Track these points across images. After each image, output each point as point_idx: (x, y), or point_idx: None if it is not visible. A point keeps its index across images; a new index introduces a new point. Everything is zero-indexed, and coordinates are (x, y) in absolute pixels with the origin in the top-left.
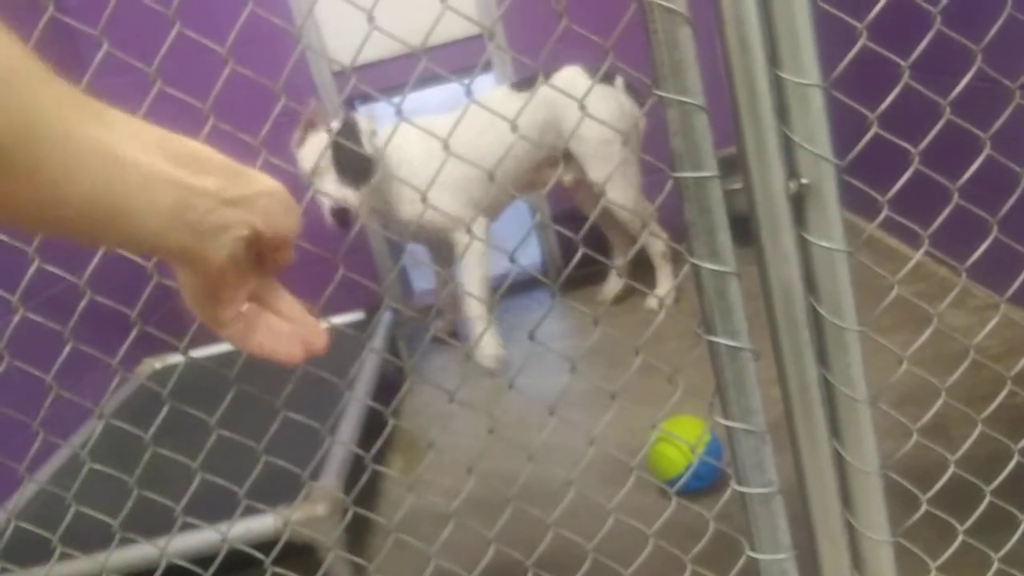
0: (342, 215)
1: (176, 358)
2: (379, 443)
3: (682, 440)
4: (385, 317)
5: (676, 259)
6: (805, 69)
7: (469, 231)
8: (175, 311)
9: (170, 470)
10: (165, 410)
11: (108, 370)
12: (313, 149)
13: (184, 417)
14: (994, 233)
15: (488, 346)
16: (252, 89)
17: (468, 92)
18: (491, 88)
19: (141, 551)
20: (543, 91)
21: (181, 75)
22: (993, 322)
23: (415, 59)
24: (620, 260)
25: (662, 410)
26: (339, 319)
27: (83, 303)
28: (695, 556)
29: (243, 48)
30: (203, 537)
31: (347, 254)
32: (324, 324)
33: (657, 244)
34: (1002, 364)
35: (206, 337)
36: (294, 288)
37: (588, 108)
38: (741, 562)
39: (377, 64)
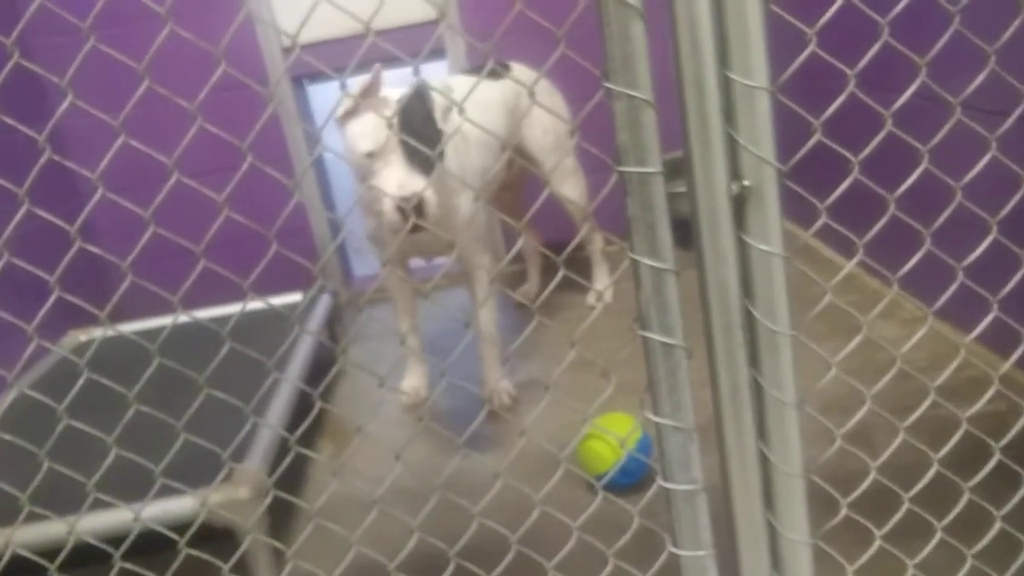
0: (413, 211)
1: (103, 332)
2: (304, 426)
3: (613, 435)
4: (322, 300)
5: (610, 260)
6: (754, 71)
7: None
8: (104, 282)
9: (89, 446)
10: (81, 382)
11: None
12: (371, 123)
13: (106, 392)
14: (927, 245)
15: (499, 383)
16: (197, 59)
17: (416, 72)
18: (451, 76)
19: (51, 528)
20: (505, 86)
21: (120, 38)
22: (920, 334)
23: (366, 39)
24: (534, 258)
25: (594, 405)
26: (275, 300)
27: None
28: (618, 551)
29: (189, 17)
30: (116, 516)
31: (287, 235)
32: (260, 303)
33: (596, 241)
34: (927, 376)
35: (135, 311)
36: (231, 265)
37: (546, 102)
38: (663, 558)
39: (328, 43)
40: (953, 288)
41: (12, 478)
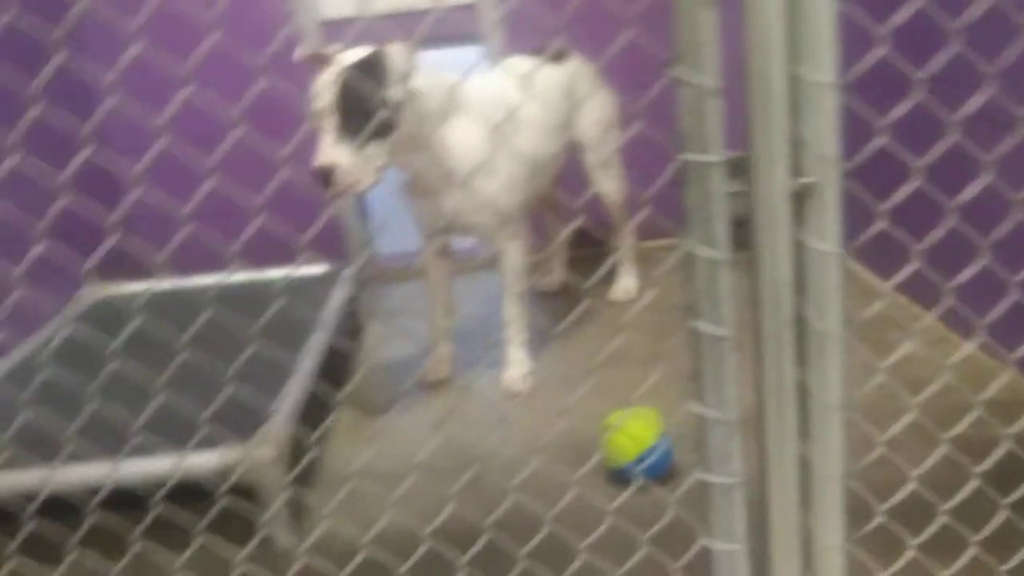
0: (324, 176)
1: (129, 288)
2: (344, 389)
3: (642, 422)
4: (346, 272)
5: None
6: (822, 67)
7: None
8: (133, 240)
9: (108, 401)
10: (126, 334)
11: (62, 287)
12: (318, 83)
13: (133, 347)
14: (981, 262)
15: (519, 368)
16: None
17: (487, 57)
18: (511, 59)
19: (80, 472)
20: (561, 74)
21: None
22: (960, 355)
23: (402, 20)
24: (560, 249)
25: (619, 400)
26: (301, 269)
27: (58, 205)
28: (651, 537)
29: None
30: (143, 466)
31: (312, 204)
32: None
33: (628, 235)
34: (959, 394)
35: (164, 270)
36: (255, 234)
37: (601, 92)
38: (693, 551)
39: (366, 20)
40: (1005, 306)
41: (46, 418)
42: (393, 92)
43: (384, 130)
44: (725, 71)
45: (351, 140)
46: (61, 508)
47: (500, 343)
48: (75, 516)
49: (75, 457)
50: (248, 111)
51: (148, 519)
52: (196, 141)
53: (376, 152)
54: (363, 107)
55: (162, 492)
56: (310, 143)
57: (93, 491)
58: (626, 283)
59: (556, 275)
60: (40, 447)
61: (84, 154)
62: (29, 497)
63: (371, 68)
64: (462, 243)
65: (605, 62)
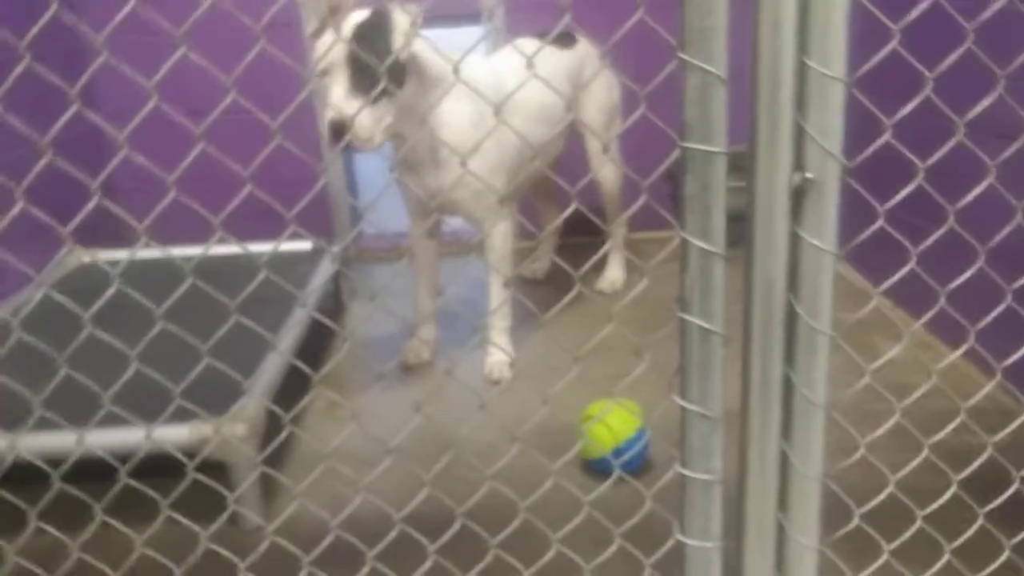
0: (339, 130)
1: (110, 255)
2: (323, 368)
3: (626, 412)
4: (330, 251)
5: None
6: (832, 61)
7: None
8: (114, 206)
9: (85, 373)
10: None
11: (42, 251)
12: (326, 42)
13: (105, 316)
14: (977, 267)
15: (501, 354)
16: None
17: (490, 38)
18: (518, 41)
19: (46, 440)
20: (567, 58)
21: None
22: (947, 361)
23: None
24: (550, 236)
25: (601, 391)
26: (287, 245)
27: (42, 163)
28: (625, 531)
29: None
30: (112, 437)
31: (302, 183)
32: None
33: (620, 227)
34: (939, 402)
35: (135, 239)
36: (240, 208)
37: (605, 74)
38: (667, 546)
39: None
40: (995, 314)
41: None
42: (399, 50)
43: (391, 88)
44: (730, 61)
45: (364, 95)
46: (24, 477)
47: (484, 328)
48: (39, 486)
49: (42, 425)
50: (241, 78)
51: (114, 492)
52: (186, 107)
53: (386, 109)
54: (375, 62)
55: (130, 465)
56: (304, 114)
57: (58, 461)
58: (613, 274)
59: (544, 262)
60: (6, 414)
61: (70, 114)
62: None
63: (379, 26)
64: (451, 225)
65: (612, 47)
